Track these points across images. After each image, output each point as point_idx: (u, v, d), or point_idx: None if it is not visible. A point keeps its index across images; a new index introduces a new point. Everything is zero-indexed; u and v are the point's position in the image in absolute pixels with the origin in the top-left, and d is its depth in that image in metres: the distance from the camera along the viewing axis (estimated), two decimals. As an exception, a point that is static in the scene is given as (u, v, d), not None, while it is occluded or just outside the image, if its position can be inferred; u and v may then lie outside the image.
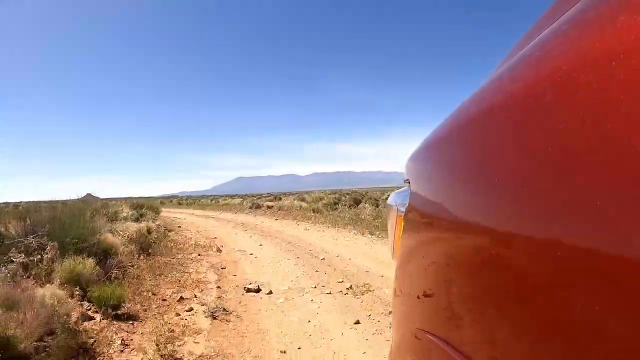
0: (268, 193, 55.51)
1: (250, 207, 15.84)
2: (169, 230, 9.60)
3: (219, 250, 6.38)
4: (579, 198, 0.22)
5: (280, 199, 19.70)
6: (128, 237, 6.07)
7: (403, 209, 0.62)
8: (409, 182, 0.63)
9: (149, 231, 6.97)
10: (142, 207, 9.76)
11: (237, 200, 22.72)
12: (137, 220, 8.15)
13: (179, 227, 10.72)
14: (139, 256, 5.64)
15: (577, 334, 0.22)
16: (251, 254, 6.10)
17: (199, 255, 6.02)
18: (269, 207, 14.77)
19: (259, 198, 23.02)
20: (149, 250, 5.99)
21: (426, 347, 0.46)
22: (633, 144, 0.19)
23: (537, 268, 0.26)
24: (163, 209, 23.99)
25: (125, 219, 7.92)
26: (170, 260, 5.65)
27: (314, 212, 11.46)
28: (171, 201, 33.65)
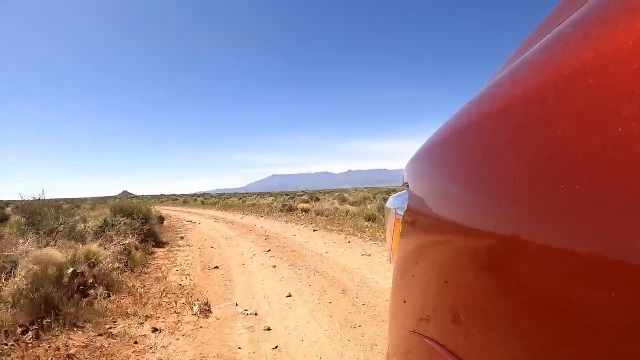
0: (303, 191, 52.57)
1: (281, 210, 12.62)
2: (161, 246, 6.59)
3: (205, 312, 3.12)
4: (580, 202, 0.22)
5: (317, 199, 16.37)
6: (18, 285, 2.98)
7: (402, 213, 0.62)
8: (408, 186, 0.62)
9: (92, 262, 3.86)
10: (124, 212, 6.79)
11: (268, 200, 19.69)
12: (98, 236, 5.12)
13: (181, 238, 7.75)
14: (7, 336, 2.51)
15: (578, 338, 0.22)
16: (267, 328, 2.78)
17: (155, 332, 2.77)
18: (304, 210, 11.46)
19: (292, 197, 19.81)
20: (60, 311, 2.87)
21: (423, 351, 0.45)
22: (635, 149, 0.19)
23: (537, 272, 0.25)
24: (184, 210, 21.44)
25: (75, 238, 4.89)
26: (75, 354, 2.47)
27: (369, 220, 7.98)
28: (195, 200, 30.93)
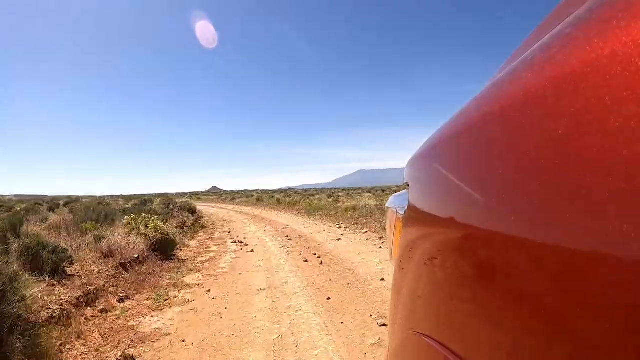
0: (397, 186, 45.34)
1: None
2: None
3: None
4: (578, 202, 0.22)
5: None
6: None
7: (402, 212, 0.62)
8: (409, 185, 0.62)
9: None
10: None
11: (370, 200, 13.47)
12: None
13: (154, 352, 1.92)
14: None
15: (578, 337, 0.22)
16: None
17: None
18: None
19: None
20: None
21: (424, 350, 0.45)
22: (635, 149, 0.19)
23: (536, 271, 0.26)
24: (252, 211, 15.62)
25: None
26: None
27: None
28: (272, 196, 25.38)
